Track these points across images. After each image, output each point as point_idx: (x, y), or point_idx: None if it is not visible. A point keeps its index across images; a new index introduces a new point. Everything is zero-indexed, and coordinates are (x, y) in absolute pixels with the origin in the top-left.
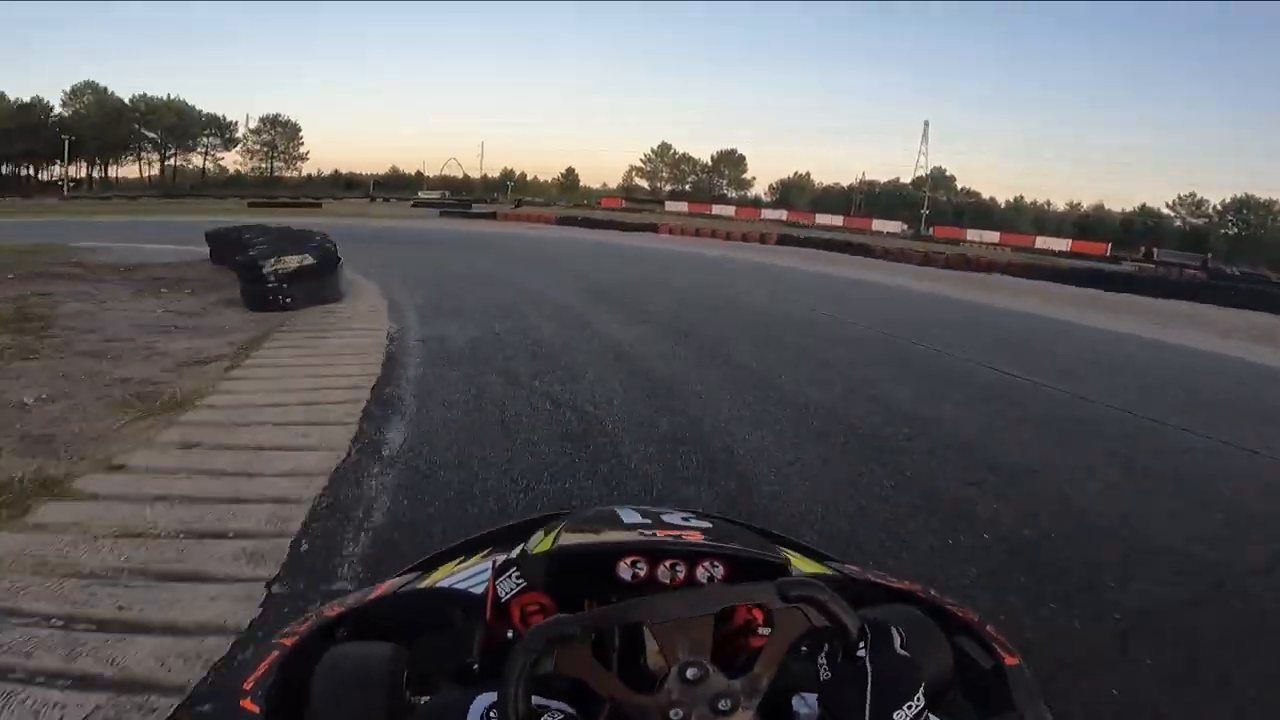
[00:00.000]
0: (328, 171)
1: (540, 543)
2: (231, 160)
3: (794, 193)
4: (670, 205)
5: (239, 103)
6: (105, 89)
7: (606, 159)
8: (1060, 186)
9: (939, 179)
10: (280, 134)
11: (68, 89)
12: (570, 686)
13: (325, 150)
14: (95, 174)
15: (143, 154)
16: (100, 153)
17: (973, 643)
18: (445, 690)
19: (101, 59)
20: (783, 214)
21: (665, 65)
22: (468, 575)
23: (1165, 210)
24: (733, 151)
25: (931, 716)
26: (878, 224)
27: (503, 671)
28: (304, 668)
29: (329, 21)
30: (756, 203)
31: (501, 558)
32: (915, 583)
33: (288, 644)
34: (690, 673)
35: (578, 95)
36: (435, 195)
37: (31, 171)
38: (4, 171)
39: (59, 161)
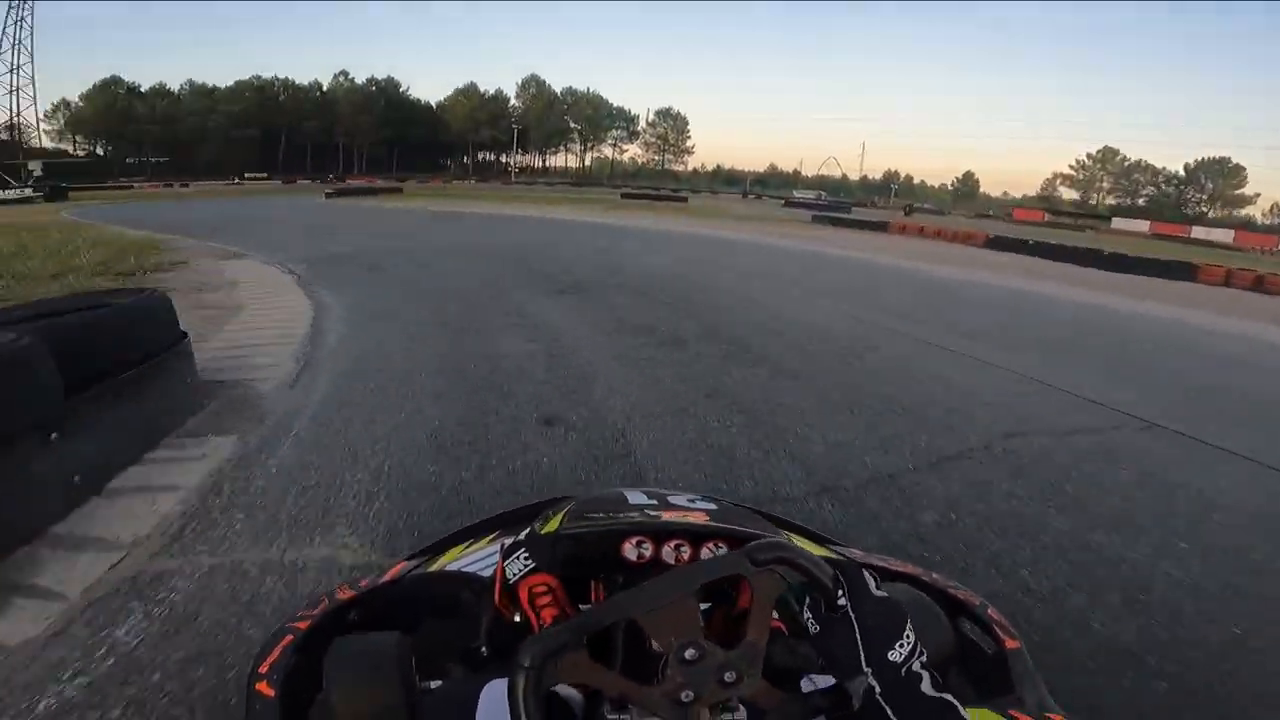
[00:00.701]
0: (711, 166)
1: (547, 524)
2: (632, 153)
3: None
4: (1120, 223)
5: (640, 98)
6: (544, 82)
7: (1011, 163)
8: None
9: None
10: (670, 127)
11: (519, 81)
12: None
13: (710, 145)
14: (539, 162)
15: (568, 144)
16: (540, 142)
17: (974, 626)
18: (454, 674)
19: (548, 54)
20: None
21: (1098, 61)
22: (476, 558)
23: None
24: (1223, 160)
25: (925, 668)
26: None
27: (509, 692)
28: (317, 651)
29: (721, 20)
30: (1250, 226)
31: (509, 540)
32: (917, 566)
33: (300, 627)
34: (688, 653)
35: (977, 94)
36: (810, 195)
37: (497, 158)
38: (480, 158)
39: (516, 150)
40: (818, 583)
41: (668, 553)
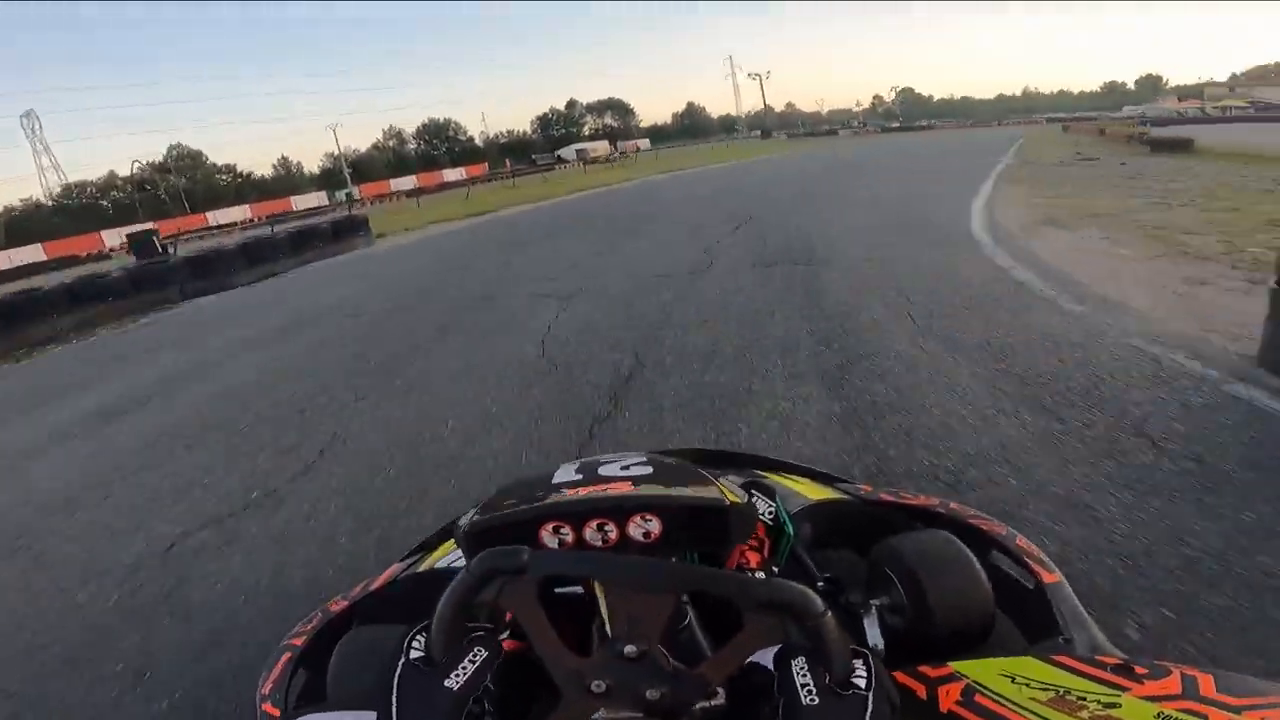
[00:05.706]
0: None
1: (468, 516)
2: None
3: None
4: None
5: None
6: None
7: None
8: None
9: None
10: None
11: None
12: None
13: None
14: None
15: None
16: None
17: (1008, 559)
18: None
19: None
20: None
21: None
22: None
23: None
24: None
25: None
26: None
27: (446, 590)
28: (318, 663)
29: None
30: None
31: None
32: (933, 497)
33: (298, 644)
34: (628, 649)
35: None
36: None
37: None
38: None
39: None
40: (825, 654)
41: (591, 535)
